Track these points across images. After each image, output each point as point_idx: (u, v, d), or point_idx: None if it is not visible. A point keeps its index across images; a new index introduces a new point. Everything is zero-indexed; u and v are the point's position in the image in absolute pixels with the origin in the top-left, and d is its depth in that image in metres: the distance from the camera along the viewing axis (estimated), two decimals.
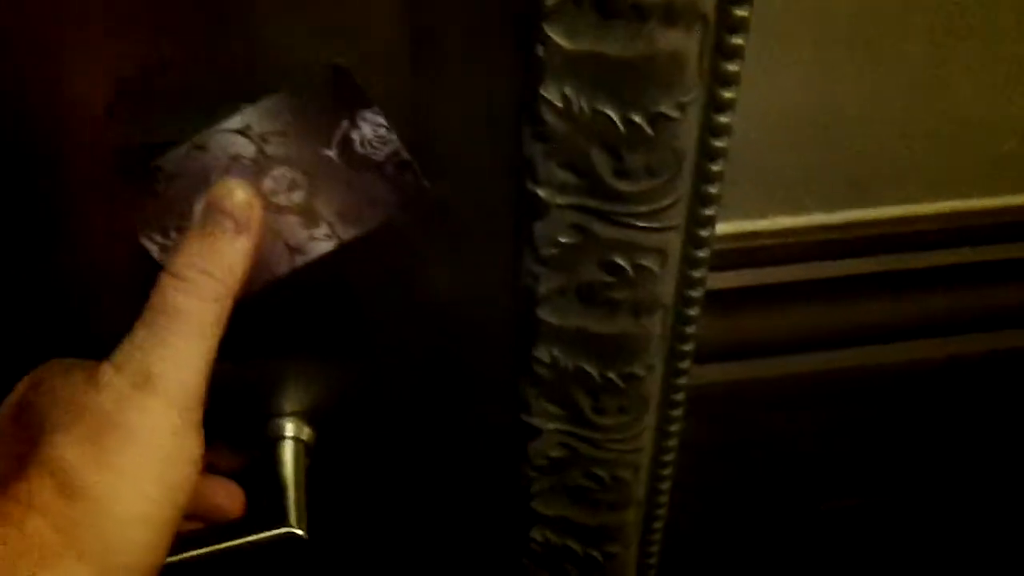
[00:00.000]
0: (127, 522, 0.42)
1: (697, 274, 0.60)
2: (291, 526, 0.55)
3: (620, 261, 0.57)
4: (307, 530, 0.55)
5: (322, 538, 0.59)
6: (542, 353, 0.62)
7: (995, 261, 0.73)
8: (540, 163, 0.53)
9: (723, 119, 0.52)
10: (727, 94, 0.51)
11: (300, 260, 0.49)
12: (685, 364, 0.64)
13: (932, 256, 0.71)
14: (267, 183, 0.47)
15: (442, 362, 0.63)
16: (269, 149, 0.47)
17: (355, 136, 0.47)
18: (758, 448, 0.78)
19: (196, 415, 0.44)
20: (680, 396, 0.66)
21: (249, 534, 0.54)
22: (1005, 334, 0.79)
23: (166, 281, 0.44)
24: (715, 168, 0.55)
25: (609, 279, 0.58)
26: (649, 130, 0.51)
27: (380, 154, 0.48)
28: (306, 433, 0.60)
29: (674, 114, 0.51)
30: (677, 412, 0.67)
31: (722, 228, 0.67)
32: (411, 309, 0.59)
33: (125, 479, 0.42)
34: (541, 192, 0.54)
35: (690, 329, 0.62)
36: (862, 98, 0.64)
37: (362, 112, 0.47)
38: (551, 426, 0.66)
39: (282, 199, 0.48)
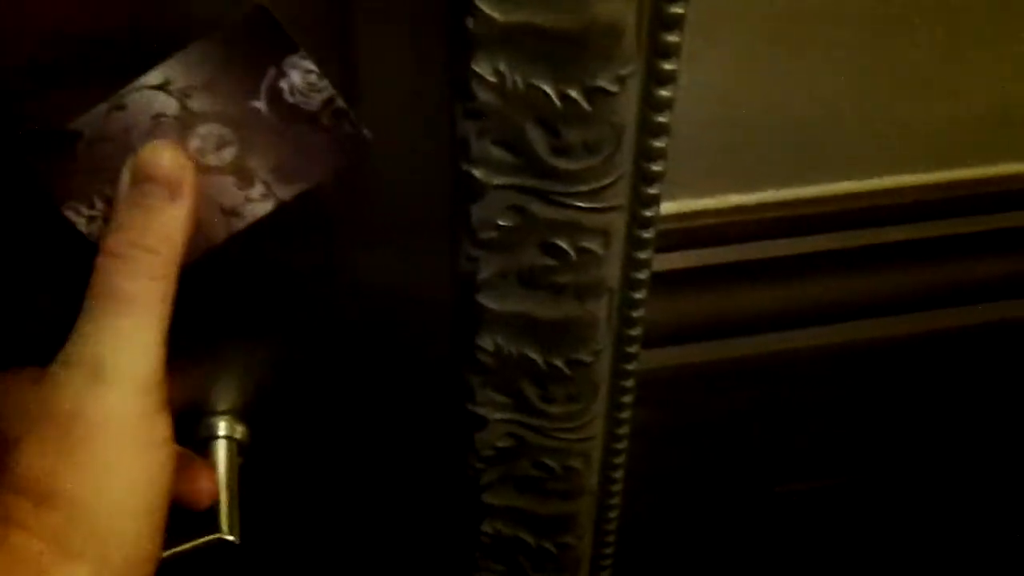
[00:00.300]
0: (114, 515, 0.41)
1: (643, 255, 0.57)
2: (222, 532, 0.52)
3: (562, 243, 0.55)
4: (240, 535, 0.53)
5: (259, 540, 0.57)
6: (485, 341, 0.60)
7: (946, 236, 0.72)
8: (474, 142, 0.51)
9: (664, 93, 0.50)
10: (667, 66, 0.49)
11: (238, 224, 0.46)
12: (634, 348, 0.62)
13: (883, 233, 0.70)
14: (194, 142, 0.44)
15: (381, 352, 0.61)
16: (193, 104, 0.44)
17: (284, 85, 0.44)
18: (711, 432, 0.77)
19: (158, 396, 0.43)
20: (630, 382, 0.64)
21: (178, 543, 0.51)
22: (959, 311, 0.77)
23: (104, 262, 0.42)
24: (658, 144, 0.52)
25: (551, 262, 0.55)
26: (586, 105, 0.49)
27: (313, 103, 0.44)
28: (239, 431, 0.57)
29: (612, 88, 0.48)
30: (627, 398, 0.65)
31: (667, 207, 0.66)
32: (345, 298, 0.56)
33: (99, 473, 0.41)
34: (476, 172, 0.52)
35: (637, 312, 0.60)
36: (807, 71, 0.62)
37: (289, 58, 0.43)
38: (497, 416, 0.63)
39: (212, 159, 0.45)
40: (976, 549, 0.94)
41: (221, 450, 0.56)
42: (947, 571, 0.95)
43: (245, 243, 0.47)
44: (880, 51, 0.64)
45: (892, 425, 0.83)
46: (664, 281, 0.65)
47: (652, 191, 0.54)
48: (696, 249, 0.66)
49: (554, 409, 0.63)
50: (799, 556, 0.88)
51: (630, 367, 0.63)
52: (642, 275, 0.58)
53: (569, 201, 0.53)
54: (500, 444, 0.65)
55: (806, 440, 0.80)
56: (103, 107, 0.43)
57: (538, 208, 0.53)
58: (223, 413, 0.57)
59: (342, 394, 0.62)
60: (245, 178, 0.45)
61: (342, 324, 0.58)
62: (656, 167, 0.53)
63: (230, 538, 0.52)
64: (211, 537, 0.52)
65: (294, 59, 0.44)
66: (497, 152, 0.51)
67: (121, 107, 0.43)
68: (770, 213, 0.67)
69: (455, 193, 0.54)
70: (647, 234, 0.56)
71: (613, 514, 0.72)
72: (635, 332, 0.61)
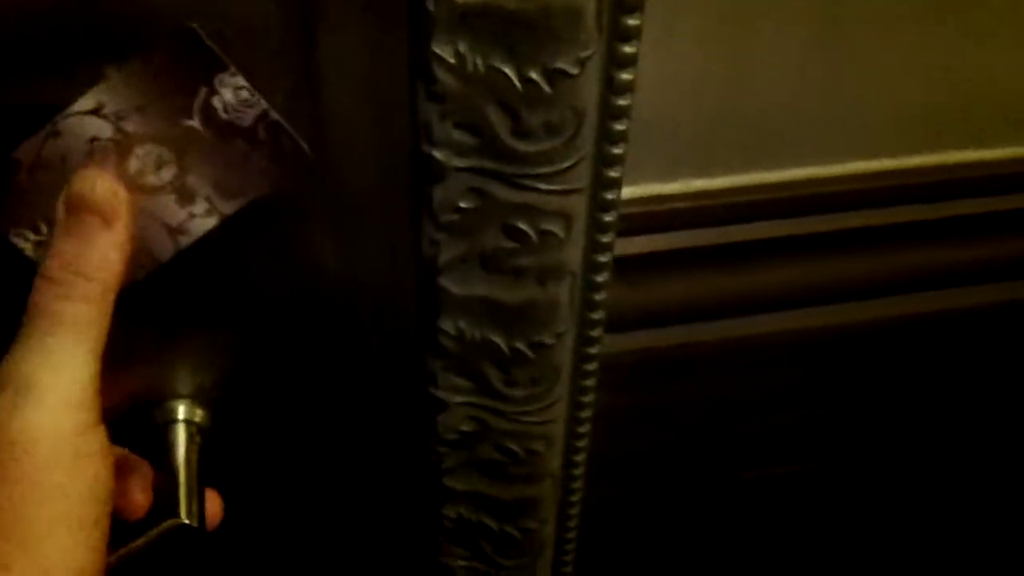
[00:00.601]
0: (47, 530, 0.41)
1: (604, 239, 0.58)
2: (180, 517, 0.52)
3: (523, 226, 0.55)
4: (200, 519, 0.53)
5: (222, 526, 0.57)
6: (447, 324, 0.60)
7: (908, 222, 0.73)
8: (435, 124, 0.51)
9: (625, 76, 0.50)
10: (628, 49, 0.49)
11: (184, 241, 0.47)
12: (596, 332, 0.63)
13: (845, 218, 0.70)
14: (132, 163, 0.45)
15: (342, 337, 0.61)
16: (128, 127, 0.44)
17: (216, 103, 0.45)
18: (675, 417, 0.77)
19: (91, 413, 0.43)
20: (592, 366, 0.64)
21: (139, 533, 0.51)
22: (921, 297, 0.78)
23: (41, 285, 0.43)
24: (618, 127, 0.53)
25: (512, 245, 0.56)
26: (547, 87, 0.49)
27: (247, 119, 0.45)
28: (199, 415, 0.57)
29: (572, 70, 0.49)
30: (590, 382, 0.65)
31: (630, 192, 0.66)
32: (304, 282, 0.56)
33: (30, 490, 0.41)
34: (437, 154, 0.52)
35: (599, 296, 0.61)
36: (767, 56, 0.63)
37: (220, 76, 0.44)
38: (459, 399, 0.64)
39: (152, 178, 0.45)
40: (944, 533, 0.95)
41: (180, 434, 0.56)
42: (913, 557, 0.96)
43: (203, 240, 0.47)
44: (842, 38, 0.64)
45: (857, 411, 0.83)
46: (627, 265, 0.65)
47: (613, 174, 0.55)
48: (659, 234, 0.67)
49: (516, 392, 0.63)
50: (764, 542, 0.89)
51: (593, 351, 0.63)
52: (604, 258, 0.59)
53: (530, 183, 0.53)
54: (463, 428, 0.65)
55: (771, 426, 0.81)
56: (40, 134, 0.44)
57: (499, 190, 0.53)
58: (182, 397, 0.57)
59: (303, 379, 0.61)
60: (187, 196, 0.46)
61: (301, 309, 0.58)
62: (617, 150, 0.54)
63: (188, 522, 0.52)
64: (169, 523, 0.52)
65: (225, 77, 0.44)
66: (458, 134, 0.51)
67: (56, 134, 0.44)
68: (733, 198, 0.67)
69: (416, 176, 0.54)
70: (608, 217, 0.56)
71: (576, 498, 0.72)
72: (597, 316, 0.61)
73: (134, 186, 0.44)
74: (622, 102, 0.52)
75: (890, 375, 0.81)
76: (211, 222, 0.47)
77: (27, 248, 0.46)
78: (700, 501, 0.84)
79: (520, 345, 0.60)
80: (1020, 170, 0.73)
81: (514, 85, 0.49)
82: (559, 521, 0.74)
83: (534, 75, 0.48)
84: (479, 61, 0.48)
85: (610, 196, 0.56)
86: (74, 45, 0.44)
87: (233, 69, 0.44)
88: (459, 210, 0.54)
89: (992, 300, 0.79)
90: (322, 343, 0.61)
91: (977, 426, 0.87)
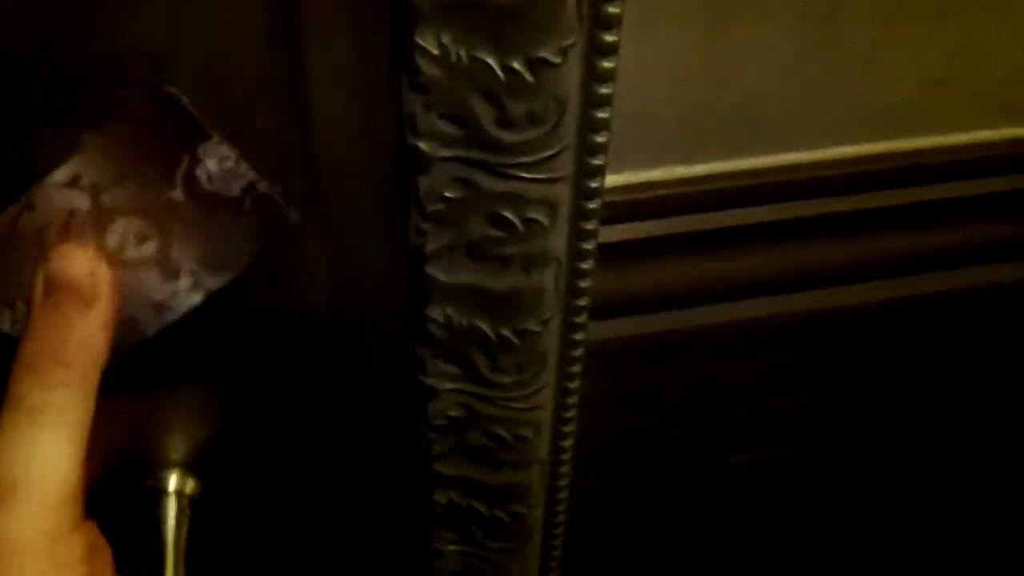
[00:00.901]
0: None
1: (589, 226, 0.59)
2: None
3: (508, 215, 0.56)
4: None
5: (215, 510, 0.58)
6: (435, 312, 0.61)
7: (891, 207, 0.74)
8: (420, 115, 0.52)
9: (606, 64, 0.51)
10: (609, 38, 0.50)
11: (169, 316, 0.45)
12: (581, 319, 0.64)
13: (827, 203, 0.71)
14: (112, 237, 0.43)
15: (331, 329, 0.62)
16: (106, 199, 0.42)
17: (200, 173, 0.43)
18: (662, 403, 0.78)
19: (73, 512, 0.41)
20: (578, 352, 0.66)
21: None
22: (905, 281, 0.79)
23: (18, 373, 0.41)
24: (601, 115, 0.54)
25: (498, 234, 0.57)
26: (529, 77, 0.50)
27: (232, 189, 0.44)
28: (190, 486, 0.56)
29: (555, 59, 0.50)
30: (576, 368, 0.66)
31: (614, 180, 0.67)
32: (297, 297, 0.57)
33: None
34: (423, 145, 0.53)
35: (584, 283, 0.62)
36: (748, 44, 0.64)
37: (203, 145, 0.43)
38: (448, 386, 0.65)
39: (133, 253, 0.44)
40: (932, 516, 0.96)
41: (170, 506, 0.55)
42: (901, 540, 0.98)
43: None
44: (823, 24, 0.65)
45: (842, 395, 0.85)
46: (611, 253, 0.66)
47: (597, 162, 0.56)
48: (643, 221, 0.68)
49: (503, 379, 0.64)
50: (752, 526, 0.90)
51: (578, 337, 0.64)
52: (588, 245, 0.60)
53: (514, 172, 0.54)
54: (451, 414, 0.66)
55: (757, 410, 0.82)
56: (15, 208, 0.42)
57: (484, 180, 0.54)
58: (172, 464, 0.56)
59: (293, 370, 0.63)
60: (171, 271, 0.44)
61: (296, 328, 0.59)
62: (600, 138, 0.55)
63: None
64: None
65: (208, 146, 0.43)
66: (442, 125, 0.52)
67: (31, 207, 0.42)
68: (715, 184, 0.68)
69: (402, 167, 0.55)
70: (592, 205, 0.58)
71: (564, 483, 0.74)
72: (582, 302, 0.63)
73: (115, 261, 0.43)
74: (604, 90, 0.53)
75: (874, 359, 0.82)
76: (197, 297, 0.45)
77: (4, 326, 0.44)
78: (688, 486, 0.85)
79: (506, 332, 0.61)
80: (999, 153, 0.74)
81: (497, 75, 0.50)
82: (547, 506, 0.75)
83: (517, 65, 0.49)
84: (462, 52, 0.49)
85: (594, 184, 0.57)
86: (48, 106, 0.43)
87: (218, 137, 0.43)
88: (445, 199, 0.55)
89: (975, 283, 0.80)
90: (313, 336, 0.63)
91: (964, 408, 0.88)
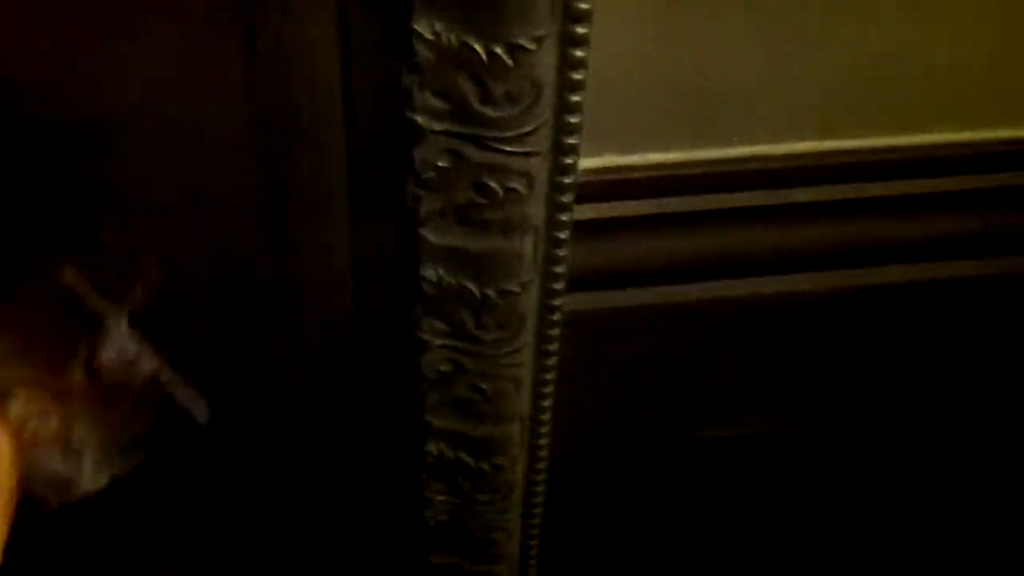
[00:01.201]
0: None
1: (564, 199, 0.67)
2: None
3: (491, 183, 0.64)
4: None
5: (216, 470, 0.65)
6: (428, 272, 0.69)
7: (849, 199, 0.82)
8: (416, 92, 0.61)
9: (578, 53, 0.60)
10: (580, 30, 0.59)
11: (73, 493, 0.44)
12: (559, 285, 0.72)
13: (789, 194, 0.79)
14: (16, 410, 0.42)
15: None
16: (7, 377, 0.42)
17: (102, 359, 0.43)
18: (634, 374, 0.86)
19: None
20: (556, 316, 0.74)
21: None
22: (882, 269, 0.86)
23: None
24: (574, 99, 0.62)
25: (482, 200, 0.65)
26: (508, 60, 0.59)
27: (134, 379, 0.44)
28: None
29: (530, 46, 0.58)
30: (554, 332, 0.75)
31: (594, 162, 0.75)
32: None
33: None
34: (419, 119, 0.62)
35: (561, 251, 0.70)
36: (720, 37, 0.72)
37: (103, 334, 0.42)
38: (439, 342, 0.73)
39: (38, 431, 0.43)
40: (904, 495, 1.03)
41: None
42: (864, 520, 1.05)
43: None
44: (790, 19, 0.73)
45: (813, 375, 0.92)
46: (589, 229, 0.75)
47: (571, 141, 0.64)
48: (619, 201, 0.76)
49: (487, 336, 0.72)
50: (716, 499, 0.98)
51: (556, 302, 0.73)
52: (564, 217, 0.68)
53: (496, 146, 0.63)
54: (441, 368, 0.75)
55: (725, 387, 0.90)
56: None
57: (471, 151, 0.63)
58: None
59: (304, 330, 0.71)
60: (72, 453, 0.44)
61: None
62: (573, 119, 0.63)
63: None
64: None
65: (110, 334, 0.43)
66: (435, 101, 0.61)
67: None
68: (686, 171, 0.77)
69: (400, 139, 0.63)
70: (568, 180, 0.66)
71: (544, 442, 0.82)
72: (560, 269, 0.71)
73: (17, 435, 0.42)
74: (576, 76, 0.61)
75: (844, 339, 0.90)
76: (101, 481, 0.44)
77: None
78: (656, 457, 0.93)
79: (490, 292, 0.70)
80: (970, 152, 0.81)
81: (481, 58, 0.58)
82: (529, 463, 0.83)
83: (498, 50, 0.58)
84: (452, 37, 0.58)
85: (568, 160, 0.65)
86: None
87: (120, 324, 0.42)
88: (437, 168, 0.64)
89: (944, 274, 0.87)
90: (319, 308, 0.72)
91: (938, 387, 0.95)
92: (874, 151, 0.82)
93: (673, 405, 0.89)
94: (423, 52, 0.59)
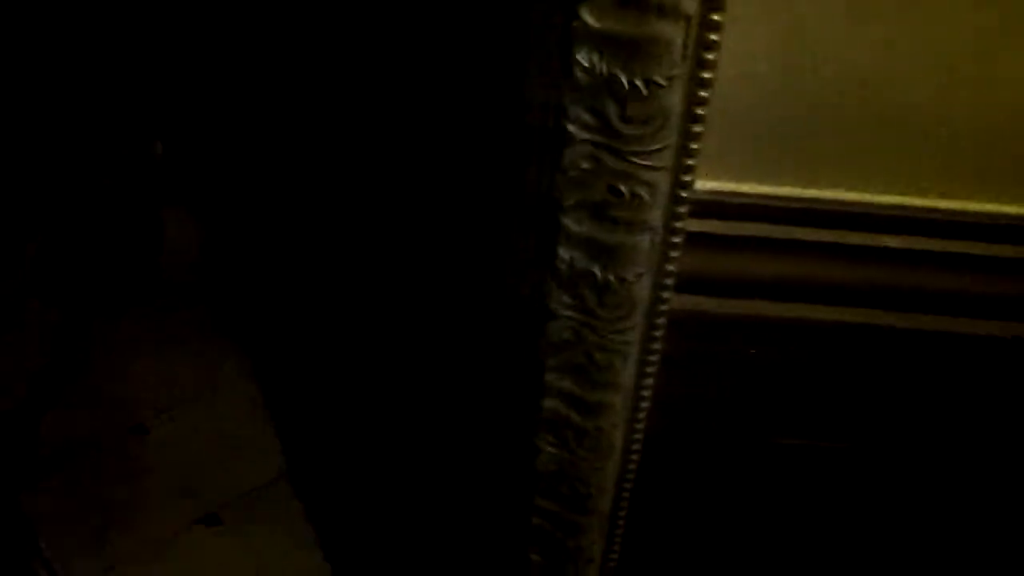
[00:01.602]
0: None
1: (680, 210, 0.85)
2: None
3: (622, 187, 0.82)
4: None
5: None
6: (563, 254, 0.88)
7: (952, 253, 0.96)
8: (571, 107, 0.79)
9: (702, 93, 0.78)
10: (706, 74, 0.77)
11: None
12: (668, 281, 0.89)
13: (877, 238, 0.95)
14: None
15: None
16: None
17: None
18: (724, 375, 1.02)
19: None
20: (663, 307, 0.91)
21: None
22: (971, 322, 1.00)
23: None
24: (696, 129, 0.80)
25: (613, 200, 0.83)
26: (645, 91, 0.77)
27: None
28: None
29: (663, 83, 0.76)
30: (660, 320, 0.92)
31: (715, 184, 0.92)
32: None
33: None
34: (571, 128, 0.80)
35: (673, 253, 0.88)
36: (835, 84, 0.88)
37: None
38: (565, 313, 0.91)
39: None
40: (955, 521, 1.15)
41: None
42: (936, 533, 1.17)
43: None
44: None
45: (892, 399, 1.06)
46: (700, 240, 0.92)
47: (690, 162, 0.82)
48: (728, 220, 0.93)
49: (605, 314, 0.90)
50: (789, 502, 1.13)
51: (664, 295, 0.90)
52: (679, 224, 0.86)
53: (630, 157, 0.81)
54: (564, 336, 0.93)
55: (806, 401, 1.05)
56: None
57: (608, 159, 0.81)
58: None
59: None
60: None
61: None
62: (694, 145, 0.81)
63: None
64: None
65: None
66: (585, 116, 0.79)
67: None
68: (788, 204, 0.93)
69: (552, 143, 0.82)
70: (685, 193, 0.84)
71: (641, 415, 0.99)
72: (670, 268, 0.88)
73: None
74: (700, 111, 0.79)
75: (918, 375, 1.04)
76: None
77: None
78: (738, 457, 1.08)
79: (611, 276, 0.88)
80: None
81: (624, 86, 0.77)
82: (627, 432, 1.00)
83: (637, 81, 0.76)
84: (604, 67, 0.76)
85: (687, 178, 0.83)
86: None
87: None
88: (580, 169, 0.82)
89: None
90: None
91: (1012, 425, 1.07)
92: (970, 213, 0.97)
93: (753, 409, 1.05)
94: (580, 76, 0.77)
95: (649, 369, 0.95)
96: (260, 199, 2.36)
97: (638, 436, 1.00)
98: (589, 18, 0.75)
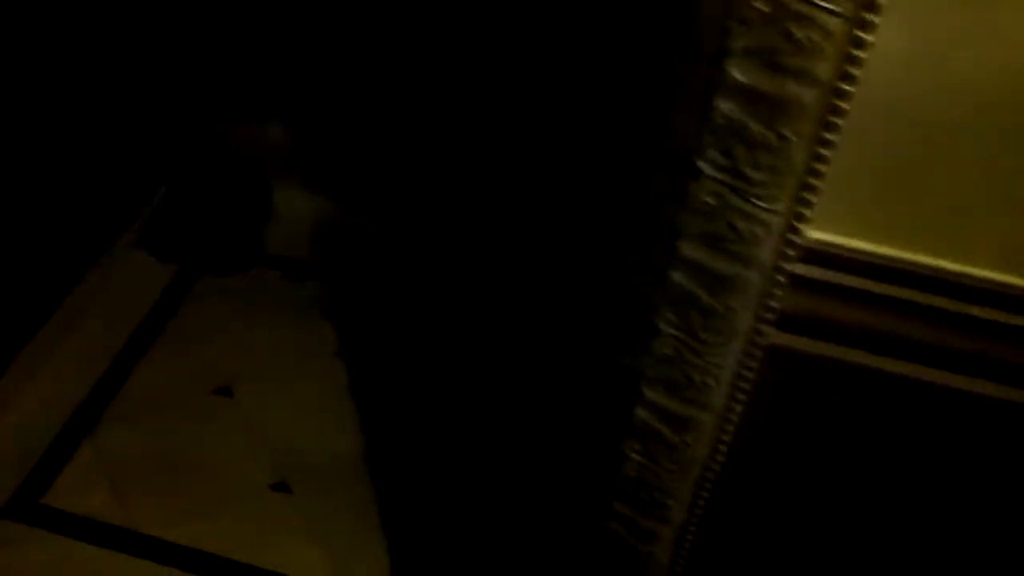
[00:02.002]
0: None
1: (790, 252, 0.95)
2: None
3: (740, 225, 0.93)
4: None
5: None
6: (676, 276, 0.99)
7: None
8: (707, 147, 0.91)
9: (825, 152, 0.89)
10: (830, 136, 0.88)
11: None
12: (769, 316, 1.00)
13: (966, 307, 1.04)
14: None
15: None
16: None
17: None
18: (811, 412, 1.12)
19: None
20: (761, 340, 1.02)
21: None
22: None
23: None
24: (815, 182, 0.91)
25: (730, 235, 0.94)
26: (775, 143, 0.88)
27: None
28: None
29: (792, 138, 0.87)
30: (757, 352, 1.03)
31: (829, 236, 1.03)
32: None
33: None
34: (702, 164, 0.92)
35: (777, 291, 0.98)
36: (950, 163, 0.98)
37: None
38: (669, 331, 1.02)
39: None
40: None
41: None
42: None
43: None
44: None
45: (948, 458, 1.15)
46: (804, 284, 1.02)
47: (805, 211, 0.93)
48: (831, 270, 1.03)
49: (706, 336, 1.01)
50: (855, 538, 1.22)
51: (763, 329, 1.01)
52: (786, 265, 0.96)
53: (751, 199, 0.92)
54: (665, 351, 1.04)
55: (877, 447, 1.15)
56: None
57: (731, 197, 0.92)
58: None
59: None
60: None
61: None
62: (811, 197, 0.91)
63: None
64: None
65: None
66: (718, 157, 0.91)
67: None
68: (893, 264, 1.03)
69: (680, 175, 0.93)
70: (795, 238, 0.94)
71: (726, 437, 1.10)
72: (772, 304, 0.99)
73: None
74: (820, 167, 0.90)
75: (978, 438, 1.13)
76: None
77: None
78: (808, 490, 1.18)
79: (717, 304, 0.99)
80: None
81: (755, 135, 0.88)
82: (711, 452, 1.11)
83: (768, 133, 0.87)
84: (737, 117, 0.88)
85: (799, 224, 0.94)
86: None
87: None
88: (703, 203, 0.93)
89: None
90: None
91: None
92: None
93: (831, 446, 1.15)
94: (718, 121, 0.89)
95: (740, 395, 1.06)
96: (382, 190, 2.50)
97: (720, 456, 1.11)
98: (734, 72, 0.86)
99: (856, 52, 0.83)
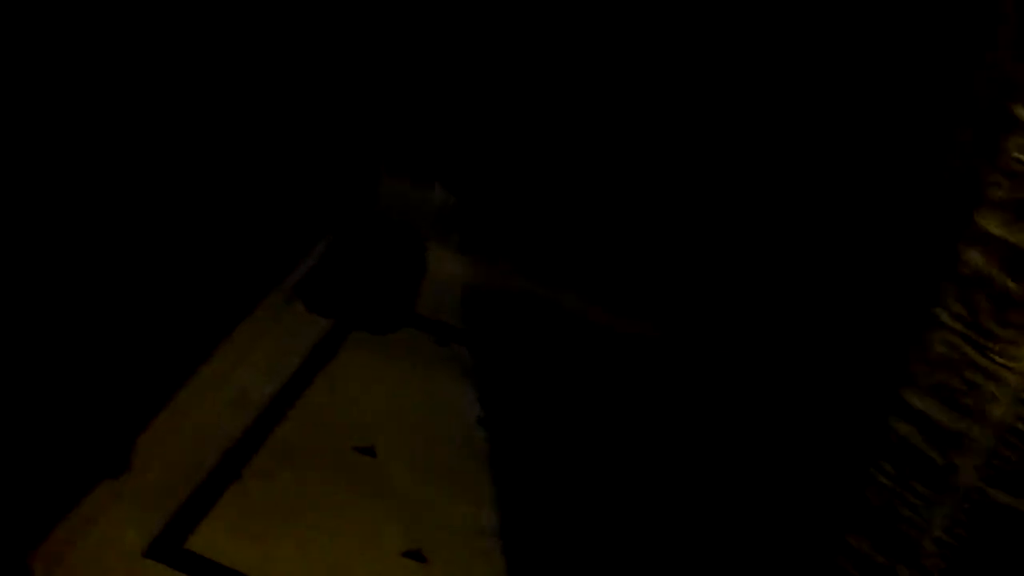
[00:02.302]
0: None
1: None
2: None
3: (974, 377, 0.90)
4: None
5: None
6: (911, 400, 0.95)
7: None
8: (948, 299, 0.88)
9: None
10: None
11: None
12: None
13: None
14: None
15: None
16: None
17: None
18: None
19: None
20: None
21: None
22: None
23: None
24: None
25: (962, 387, 0.91)
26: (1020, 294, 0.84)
27: None
28: None
29: None
30: None
31: None
32: None
33: None
34: (941, 313, 0.89)
35: (1010, 452, 0.93)
36: None
37: None
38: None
39: None
40: None
41: None
42: None
43: None
44: None
45: None
46: None
47: None
48: None
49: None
50: None
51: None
52: (1020, 426, 0.92)
53: (989, 354, 0.88)
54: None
55: None
56: None
57: (967, 348, 0.89)
58: None
59: None
60: None
61: None
62: None
63: None
64: None
65: None
66: (959, 308, 0.88)
67: None
68: None
69: (917, 327, 0.90)
70: None
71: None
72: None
73: None
74: None
75: None
76: None
77: None
78: None
79: (935, 455, 0.95)
80: None
81: (1001, 288, 0.84)
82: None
83: (1011, 285, 0.84)
84: (988, 269, 0.85)
85: None
86: None
87: None
88: (935, 352, 0.90)
89: None
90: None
91: None
92: None
93: None
94: (963, 271, 0.86)
95: None
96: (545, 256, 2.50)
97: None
98: (987, 223, 0.83)
99: None
